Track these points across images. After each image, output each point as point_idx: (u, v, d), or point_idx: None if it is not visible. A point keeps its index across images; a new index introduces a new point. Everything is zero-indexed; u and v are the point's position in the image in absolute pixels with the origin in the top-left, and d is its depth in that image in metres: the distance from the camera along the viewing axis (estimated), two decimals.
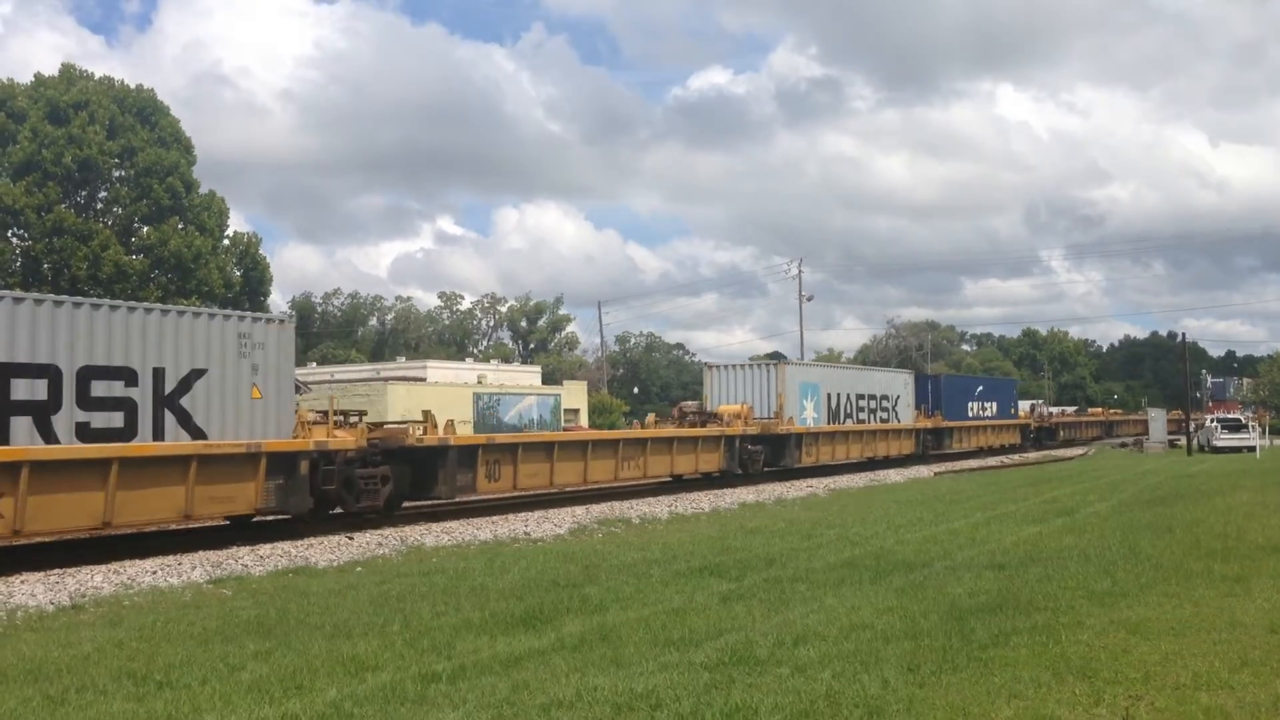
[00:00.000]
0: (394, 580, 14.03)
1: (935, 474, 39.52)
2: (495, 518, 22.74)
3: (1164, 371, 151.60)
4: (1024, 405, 69.42)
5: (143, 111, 37.92)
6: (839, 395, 39.29)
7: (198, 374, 18.03)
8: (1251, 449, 51.10)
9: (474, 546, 18.28)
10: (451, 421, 23.37)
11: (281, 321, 20.16)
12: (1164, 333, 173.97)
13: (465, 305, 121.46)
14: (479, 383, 71.06)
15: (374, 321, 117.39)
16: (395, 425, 23.14)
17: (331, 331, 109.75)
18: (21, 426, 15.84)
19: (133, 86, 38.19)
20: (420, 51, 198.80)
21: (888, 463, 42.97)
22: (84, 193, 36.93)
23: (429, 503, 23.50)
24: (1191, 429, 57.71)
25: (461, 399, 65.68)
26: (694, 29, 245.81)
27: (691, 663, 8.35)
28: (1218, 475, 32.39)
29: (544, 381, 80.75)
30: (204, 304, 37.36)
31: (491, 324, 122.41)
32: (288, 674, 8.41)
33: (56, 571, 15.46)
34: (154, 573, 15.34)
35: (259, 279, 39.82)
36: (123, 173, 37.16)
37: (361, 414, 22.02)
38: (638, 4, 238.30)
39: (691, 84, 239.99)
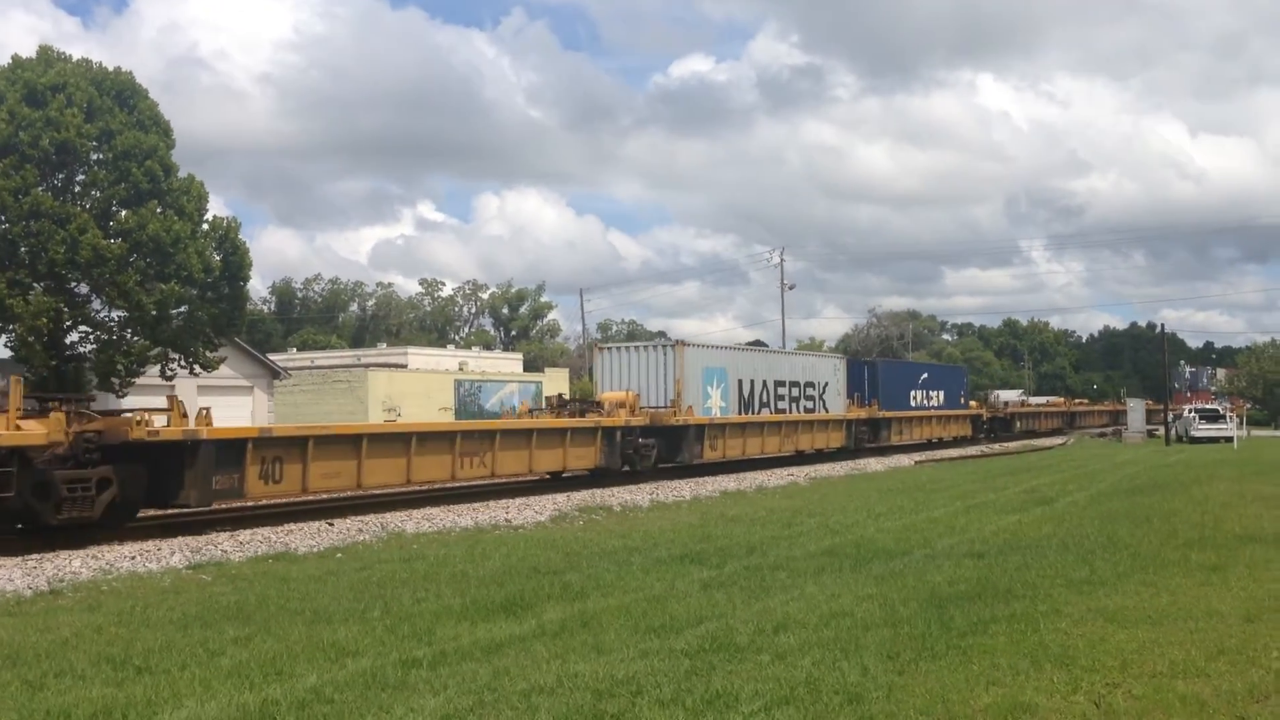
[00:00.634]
0: (374, 566, 14.01)
1: (915, 462, 39.69)
2: (476, 504, 22.71)
3: (1143, 362, 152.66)
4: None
5: (121, 94, 37.56)
6: (753, 382, 35.65)
7: None
8: (1229, 439, 51.54)
9: (455, 533, 18.26)
10: (207, 410, 18.68)
11: None
12: (1143, 323, 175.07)
13: (447, 292, 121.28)
14: (460, 370, 71.02)
15: (355, 307, 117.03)
16: (120, 415, 17.85)
17: (312, 317, 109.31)
18: None
19: (111, 69, 37.85)
20: (400, 36, 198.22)
21: (814, 457, 39.62)
22: (61, 176, 36.58)
23: (173, 512, 19.68)
24: (1169, 419, 58.12)
25: (443, 386, 65.66)
26: (675, 16, 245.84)
27: (672, 649, 8.37)
28: (1195, 465, 32.66)
29: (526, 369, 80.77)
30: (184, 288, 37.10)
31: (473, 311, 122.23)
32: (268, 659, 8.39)
33: (35, 556, 15.36)
34: (133, 558, 15.27)
35: (238, 264, 39.51)
36: (101, 156, 36.78)
37: (80, 399, 17.64)
38: None
39: (673, 71, 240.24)
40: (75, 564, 14.73)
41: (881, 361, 48.97)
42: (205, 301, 38.64)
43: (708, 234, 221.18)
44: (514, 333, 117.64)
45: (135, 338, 37.59)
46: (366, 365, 67.09)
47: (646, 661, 7.97)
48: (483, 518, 20.37)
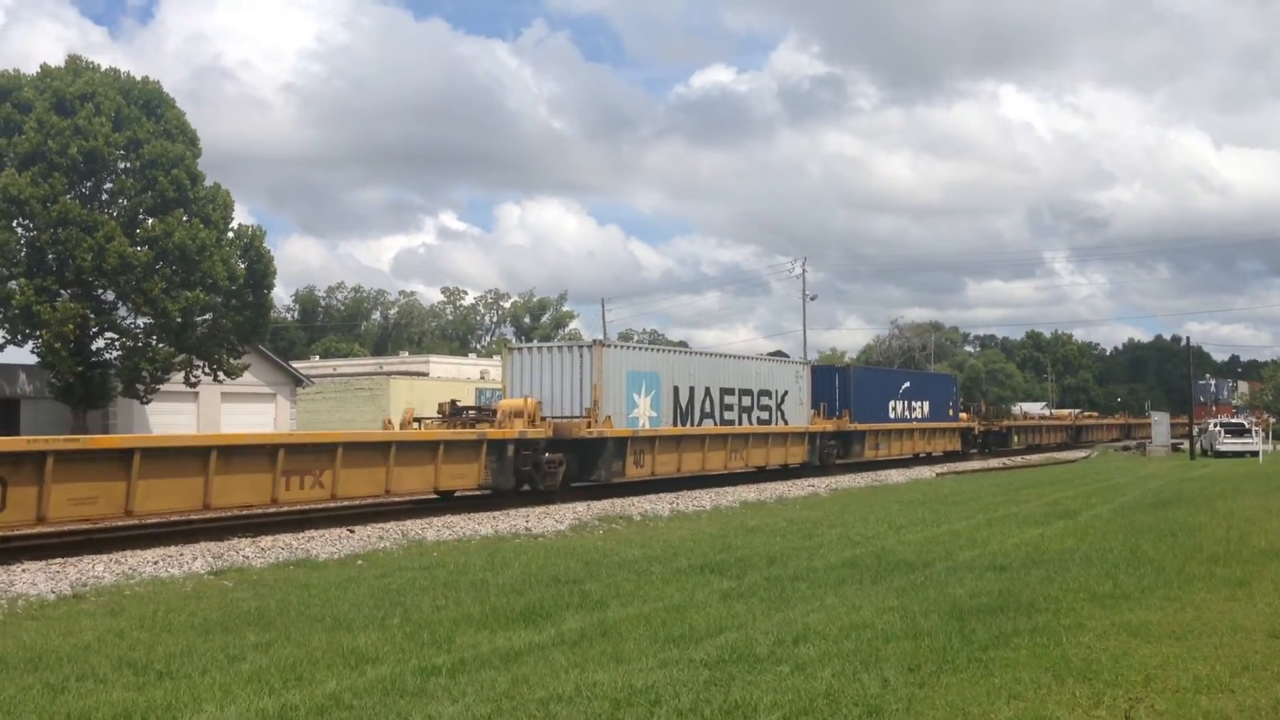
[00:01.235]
0: (394, 574, 14.04)
1: (937, 474, 39.48)
2: (496, 513, 22.75)
3: (1168, 375, 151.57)
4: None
5: (149, 104, 37.92)
6: (692, 389, 31.26)
7: None
8: (1254, 454, 51.05)
9: (474, 541, 18.28)
10: None
11: None
12: (1168, 336, 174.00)
13: (468, 300, 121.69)
14: (481, 378, 71.16)
15: (377, 316, 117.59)
16: None
17: (334, 325, 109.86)
18: None
19: (139, 79, 38.22)
20: (422, 46, 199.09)
21: (772, 475, 35.44)
22: (89, 184, 36.91)
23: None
24: (1194, 433, 57.63)
25: (464, 394, 65.82)
26: (696, 27, 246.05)
27: (691, 659, 8.34)
28: (1220, 480, 32.36)
29: None
30: (209, 296, 37.37)
31: (495, 319, 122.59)
32: (288, 665, 8.41)
33: (58, 561, 15.48)
34: (155, 563, 15.36)
35: (263, 272, 39.78)
36: (128, 164, 37.13)
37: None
38: (640, 1, 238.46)
39: (694, 82, 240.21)
40: (98, 568, 14.83)
41: (856, 369, 44.59)
42: (230, 309, 38.93)
43: (729, 244, 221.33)
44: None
45: (160, 345, 37.90)
46: (388, 373, 67.35)
47: (665, 671, 7.95)
48: (503, 526, 20.39)
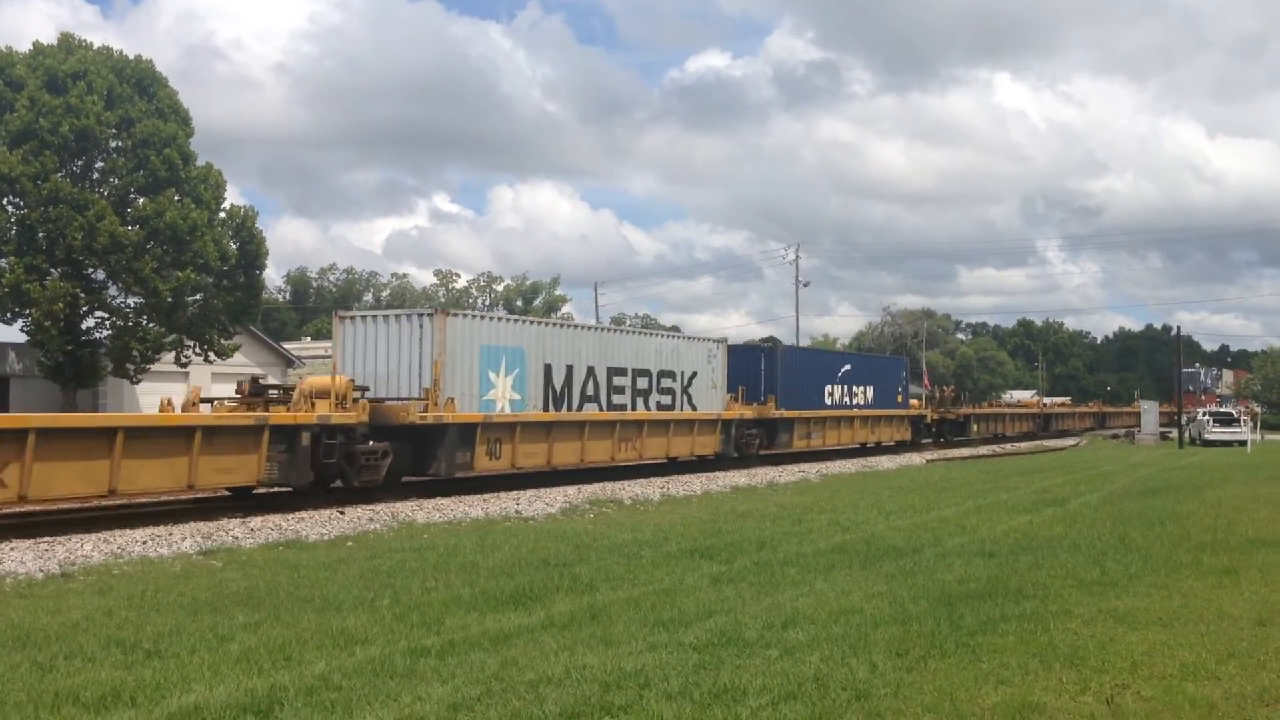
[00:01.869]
0: (384, 555, 14.04)
1: (927, 460, 39.59)
2: (488, 495, 22.76)
3: (1158, 364, 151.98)
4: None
5: (141, 82, 37.70)
6: (570, 369, 26.93)
7: None
8: (1242, 443, 51.30)
9: (465, 523, 18.29)
10: None
11: None
12: (1159, 325, 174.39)
13: (461, 283, 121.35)
14: None
15: (369, 298, 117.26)
16: None
17: (326, 306, 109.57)
18: None
19: (131, 57, 37.99)
20: (415, 27, 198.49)
21: (685, 467, 31.66)
22: (80, 162, 36.74)
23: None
24: (1183, 422, 57.86)
25: None
26: (691, 11, 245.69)
27: (680, 643, 8.36)
28: (1208, 468, 32.52)
29: None
30: (200, 276, 37.24)
31: (488, 302, 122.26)
32: (277, 646, 8.41)
33: (46, 539, 15.45)
34: (144, 543, 15.34)
35: (254, 252, 39.66)
36: (120, 143, 36.95)
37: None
38: None
39: (689, 66, 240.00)
40: (87, 547, 14.81)
41: (784, 350, 39.37)
42: (221, 289, 38.82)
43: (722, 230, 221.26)
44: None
45: (151, 324, 37.79)
46: None
47: (655, 654, 7.97)
48: (493, 509, 20.40)
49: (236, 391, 22.09)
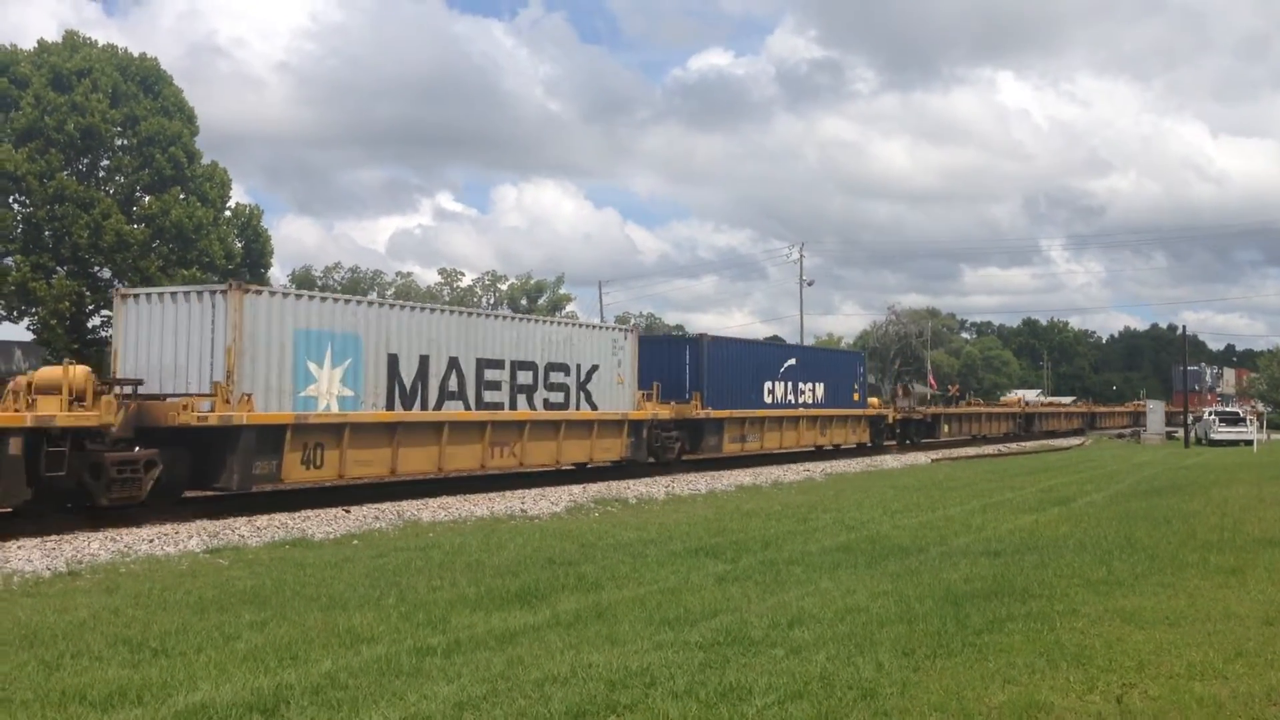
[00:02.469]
0: (390, 554, 14.05)
1: (932, 460, 39.53)
2: (493, 494, 22.76)
3: (1163, 364, 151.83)
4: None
5: (146, 80, 37.77)
6: (425, 359, 22.58)
7: None
8: (1249, 442, 51.19)
9: (470, 522, 18.30)
10: None
11: None
12: (1164, 325, 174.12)
13: (466, 282, 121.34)
14: None
15: (374, 296, 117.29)
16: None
17: None
18: None
19: (135, 55, 38.04)
20: (417, 25, 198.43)
21: (600, 473, 28.31)
22: (86, 160, 36.81)
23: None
24: (1189, 421, 57.74)
25: None
26: (693, 9, 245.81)
27: (686, 642, 8.36)
28: (1214, 468, 32.45)
29: None
30: (206, 275, 37.29)
31: (492, 301, 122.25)
32: (283, 644, 8.42)
33: (54, 538, 15.47)
34: (151, 541, 15.36)
35: (260, 251, 39.74)
36: (125, 141, 37.03)
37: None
38: None
39: (691, 65, 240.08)
40: (93, 546, 14.83)
41: (710, 340, 33.94)
42: None
43: (725, 229, 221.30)
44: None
45: None
46: None
47: (660, 653, 7.97)
48: (499, 508, 20.41)
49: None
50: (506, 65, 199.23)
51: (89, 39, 37.73)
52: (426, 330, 22.90)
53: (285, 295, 20.71)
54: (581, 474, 28.05)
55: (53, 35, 37.73)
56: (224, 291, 19.27)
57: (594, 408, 27.33)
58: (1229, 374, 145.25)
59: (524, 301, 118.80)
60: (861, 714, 6.51)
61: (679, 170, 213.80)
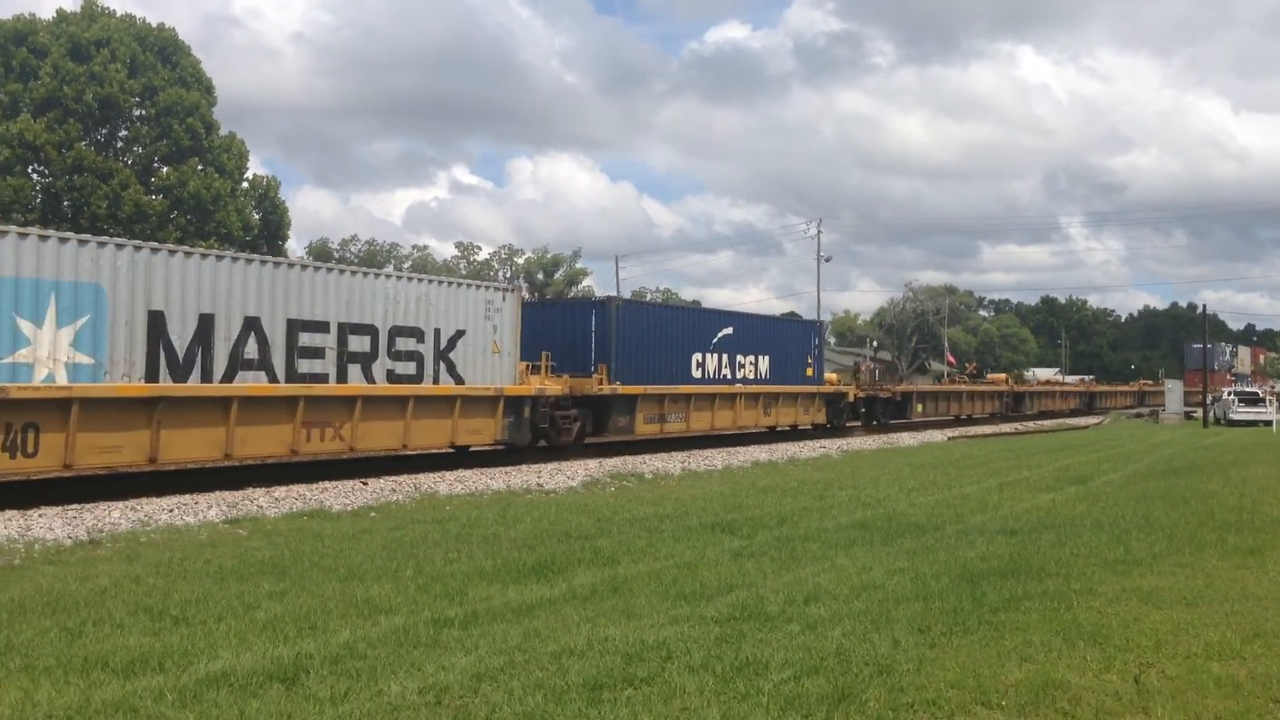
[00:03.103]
0: (407, 526, 14.12)
1: (949, 438, 39.44)
2: (509, 468, 22.84)
3: (1183, 342, 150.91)
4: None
5: (164, 50, 37.78)
6: (207, 319, 18.52)
7: None
8: (1268, 423, 50.89)
9: (487, 496, 18.37)
10: None
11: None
12: (1183, 303, 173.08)
13: (483, 256, 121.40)
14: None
15: (390, 269, 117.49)
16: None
17: None
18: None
19: (154, 25, 38.04)
20: None
21: (476, 459, 24.72)
22: (104, 131, 36.90)
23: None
24: (1208, 401, 57.41)
25: None
26: None
27: (702, 616, 8.38)
28: (1233, 448, 32.28)
29: None
30: (221, 246, 37.42)
31: (508, 275, 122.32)
32: (302, 614, 8.48)
33: (75, 506, 15.61)
34: (170, 511, 15.48)
35: (277, 222, 39.83)
36: (143, 112, 37.09)
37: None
38: None
39: (708, 38, 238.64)
40: (114, 515, 14.95)
41: (620, 304, 30.17)
42: None
43: (741, 203, 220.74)
44: (549, 298, 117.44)
45: None
46: None
47: (677, 628, 7.99)
48: (515, 481, 20.48)
49: None
50: (522, 36, 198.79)
51: (107, 9, 37.73)
52: (210, 283, 18.70)
53: None
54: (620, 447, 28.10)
55: (71, 5, 37.63)
56: None
57: (459, 381, 23.33)
58: (1244, 352, 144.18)
59: (540, 275, 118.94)
60: (878, 690, 6.52)
61: (695, 144, 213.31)
